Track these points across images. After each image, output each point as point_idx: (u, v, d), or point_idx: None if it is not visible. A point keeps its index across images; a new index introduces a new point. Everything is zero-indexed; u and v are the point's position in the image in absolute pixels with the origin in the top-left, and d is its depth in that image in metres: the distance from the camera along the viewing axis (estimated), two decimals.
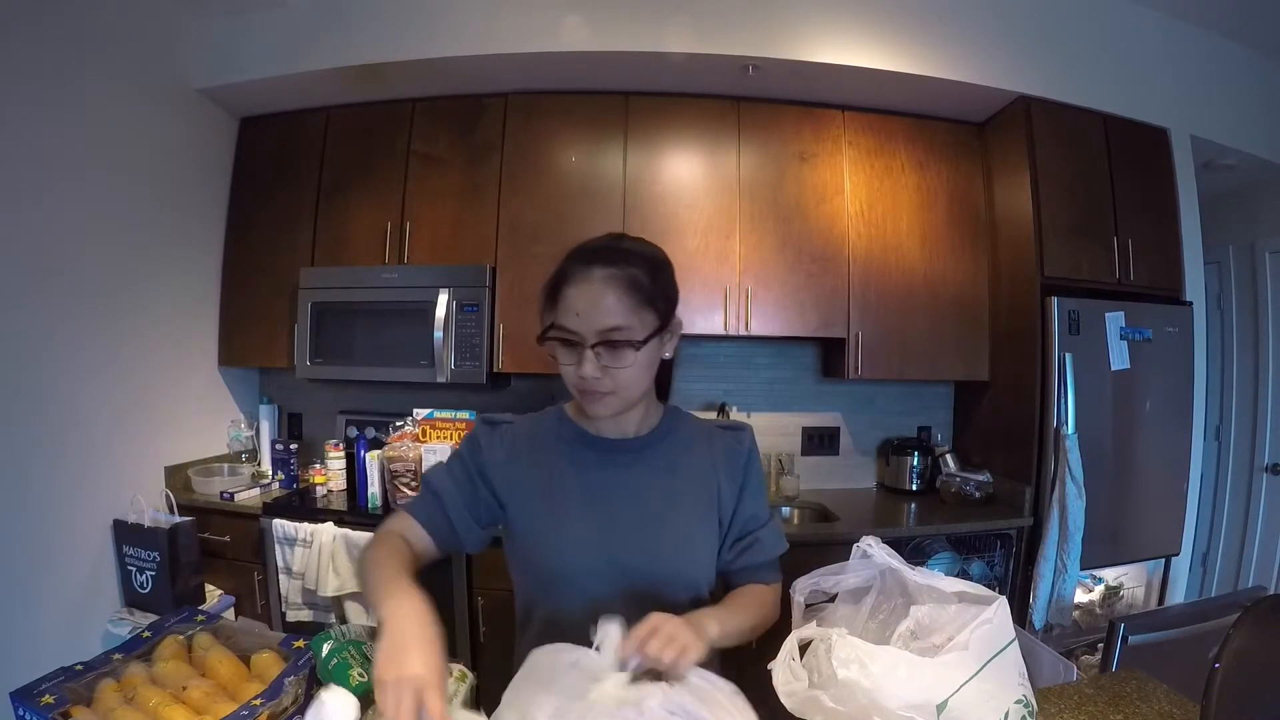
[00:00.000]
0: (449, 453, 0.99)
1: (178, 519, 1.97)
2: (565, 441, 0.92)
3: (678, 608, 0.83)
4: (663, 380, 0.96)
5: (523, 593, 0.94)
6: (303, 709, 0.77)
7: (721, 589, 0.94)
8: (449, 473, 0.92)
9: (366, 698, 0.80)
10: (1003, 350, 2.34)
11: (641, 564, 0.85)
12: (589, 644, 0.71)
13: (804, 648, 0.69)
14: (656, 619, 0.69)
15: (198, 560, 2.00)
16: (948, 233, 2.38)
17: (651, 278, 0.82)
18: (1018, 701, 0.62)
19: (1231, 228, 2.91)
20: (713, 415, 2.49)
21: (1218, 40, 2.42)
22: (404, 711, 0.55)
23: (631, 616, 0.81)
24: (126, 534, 1.93)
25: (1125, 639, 1.22)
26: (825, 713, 0.61)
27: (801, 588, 0.76)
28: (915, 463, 2.48)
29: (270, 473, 2.38)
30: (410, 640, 0.60)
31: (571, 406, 0.96)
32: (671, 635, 0.67)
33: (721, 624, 0.77)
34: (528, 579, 0.92)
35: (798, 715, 0.67)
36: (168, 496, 2.09)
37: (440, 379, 2.20)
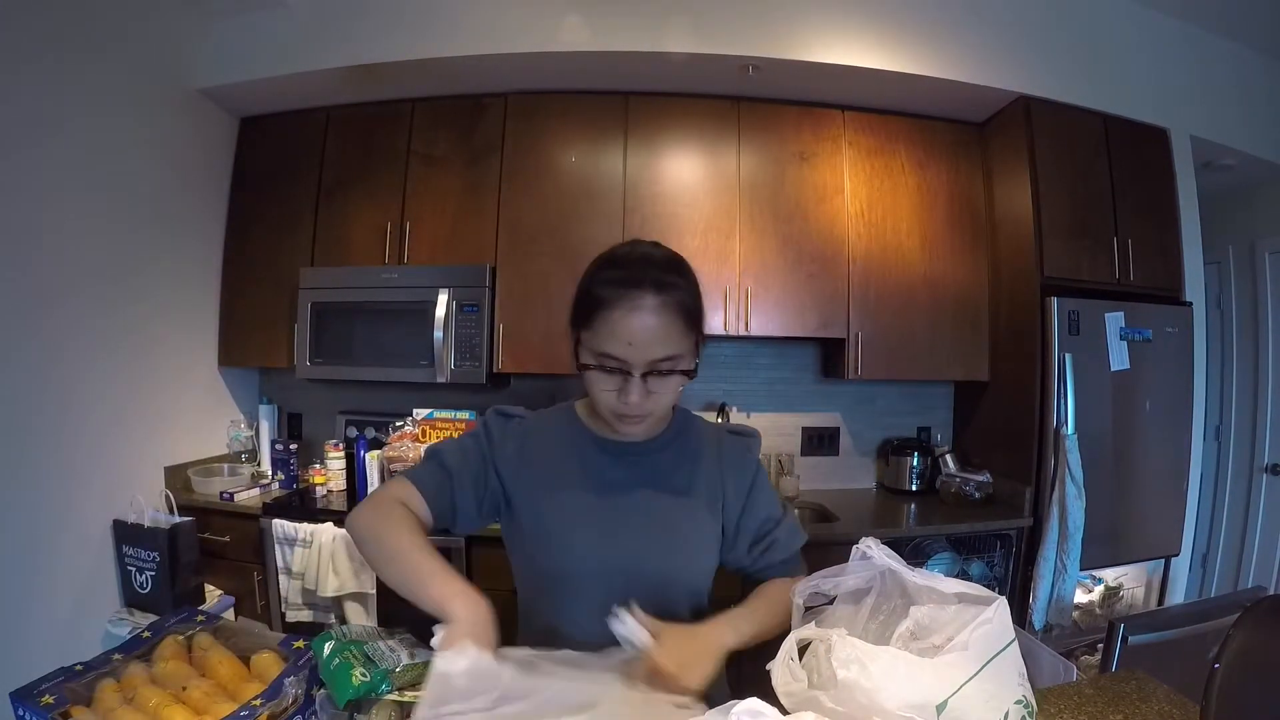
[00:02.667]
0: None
1: (177, 519, 1.97)
2: (576, 443, 0.91)
3: (678, 612, 0.84)
4: None
5: (525, 591, 0.93)
6: (302, 709, 0.77)
7: (743, 589, 0.93)
8: (462, 453, 0.89)
9: (367, 700, 0.80)
10: (1003, 350, 2.34)
11: (648, 569, 0.85)
12: (591, 646, 0.72)
13: (803, 649, 0.68)
14: (669, 638, 0.72)
15: (197, 560, 2.00)
16: (947, 233, 2.38)
17: (697, 299, 0.81)
18: (1017, 702, 0.62)
19: (1231, 228, 2.91)
20: (713, 415, 2.49)
21: (1217, 40, 2.43)
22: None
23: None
24: (126, 534, 1.93)
25: (1125, 639, 1.22)
26: (825, 713, 0.61)
27: (801, 590, 0.75)
28: (915, 463, 2.48)
29: (270, 473, 2.38)
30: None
31: (582, 407, 0.94)
32: (679, 665, 0.70)
33: (739, 633, 0.79)
34: (531, 577, 0.91)
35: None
36: (167, 497, 2.09)
37: (440, 379, 2.20)
